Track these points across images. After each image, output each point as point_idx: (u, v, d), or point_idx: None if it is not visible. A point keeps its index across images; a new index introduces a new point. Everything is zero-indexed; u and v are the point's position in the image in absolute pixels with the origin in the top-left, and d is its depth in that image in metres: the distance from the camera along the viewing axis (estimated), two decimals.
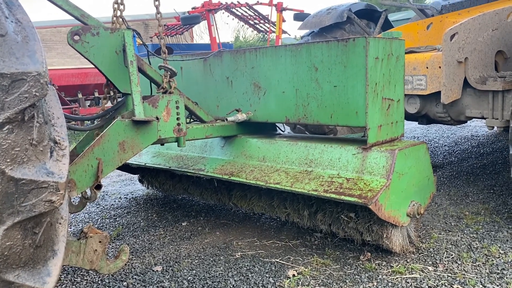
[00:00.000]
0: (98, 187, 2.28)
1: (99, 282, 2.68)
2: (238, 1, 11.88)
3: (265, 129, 3.58)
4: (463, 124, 8.13)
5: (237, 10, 12.22)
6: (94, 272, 2.22)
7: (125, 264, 2.89)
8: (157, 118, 2.54)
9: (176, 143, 2.95)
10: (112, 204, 4.34)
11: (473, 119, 8.43)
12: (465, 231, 3.17)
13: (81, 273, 2.80)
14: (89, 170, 2.27)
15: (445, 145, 6.43)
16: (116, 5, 2.77)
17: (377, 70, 2.68)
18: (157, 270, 2.80)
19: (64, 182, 1.21)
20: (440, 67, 3.78)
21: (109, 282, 2.67)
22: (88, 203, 3.94)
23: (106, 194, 4.73)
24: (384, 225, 2.70)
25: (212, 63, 3.49)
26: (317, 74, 2.85)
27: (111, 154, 2.31)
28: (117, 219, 3.86)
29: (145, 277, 2.72)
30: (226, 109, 3.42)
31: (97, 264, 2.08)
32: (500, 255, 2.76)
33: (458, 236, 3.09)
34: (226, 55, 3.37)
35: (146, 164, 3.79)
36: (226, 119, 3.18)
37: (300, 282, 2.55)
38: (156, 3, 2.89)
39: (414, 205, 2.75)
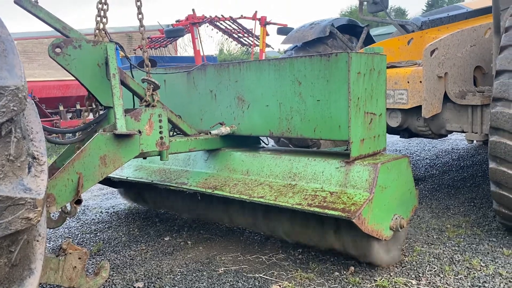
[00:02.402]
0: (78, 202, 2.23)
1: None
2: (222, 15, 11.95)
3: (249, 142, 3.58)
4: (444, 138, 8.26)
5: (221, 24, 12.28)
6: None
7: (106, 281, 2.83)
8: (140, 132, 2.52)
9: (159, 156, 2.94)
10: (93, 219, 4.26)
11: (454, 133, 8.61)
12: (447, 244, 3.19)
13: None
14: (69, 184, 2.22)
15: (426, 158, 6.51)
16: (98, 18, 2.75)
17: (359, 85, 2.71)
18: (138, 287, 2.74)
19: (42, 198, 1.18)
20: (421, 82, 3.84)
21: None
22: (68, 218, 3.86)
23: (87, 209, 4.64)
24: (368, 239, 2.70)
25: (196, 76, 3.48)
26: (301, 88, 2.86)
27: (92, 169, 2.27)
28: (98, 234, 3.79)
29: None
30: (209, 123, 3.41)
31: (77, 282, 2.03)
32: (481, 267, 2.79)
33: (440, 249, 3.11)
34: (209, 68, 3.37)
35: (128, 178, 3.74)
36: (210, 133, 3.16)
37: None
38: (140, 16, 2.88)
39: (397, 218, 2.76)
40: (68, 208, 2.60)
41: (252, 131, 3.22)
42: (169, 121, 3.11)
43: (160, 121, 2.62)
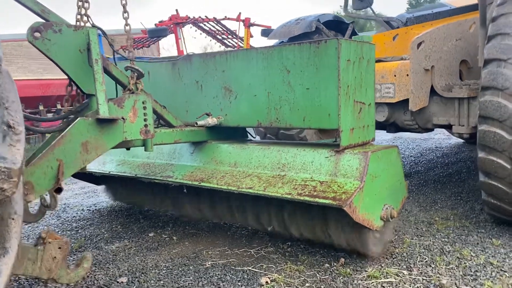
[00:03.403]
0: (59, 190, 2.12)
1: None
2: (206, 16, 11.88)
3: (236, 136, 3.50)
4: (427, 137, 8.33)
5: (204, 25, 12.20)
6: (53, 282, 2.04)
7: (87, 276, 2.72)
8: (123, 119, 2.42)
9: (143, 147, 2.84)
10: (74, 216, 4.12)
11: (437, 133, 8.68)
12: (437, 236, 3.16)
13: (37, 286, 2.60)
14: (49, 172, 2.11)
15: (411, 156, 6.53)
16: (80, 3, 2.65)
17: (349, 73, 2.67)
18: (122, 282, 2.63)
19: (18, 168, 1.09)
20: (407, 75, 3.83)
21: None
22: (47, 213, 3.72)
23: (68, 207, 4.49)
24: (359, 229, 2.65)
25: (181, 67, 3.40)
26: (289, 76, 2.81)
27: (73, 155, 2.17)
28: (79, 231, 3.65)
29: None
30: (195, 114, 3.32)
31: (56, 273, 1.91)
32: (472, 257, 2.76)
33: (430, 240, 3.08)
34: (196, 58, 3.29)
35: (111, 172, 3.62)
36: (196, 123, 3.08)
37: None
38: (125, 15, 2.80)
39: (387, 208, 2.71)
40: (48, 200, 2.48)
41: (239, 122, 3.15)
42: (154, 111, 3.01)
43: (144, 108, 2.52)
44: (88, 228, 3.72)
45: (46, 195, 2.38)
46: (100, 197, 4.78)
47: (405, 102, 3.95)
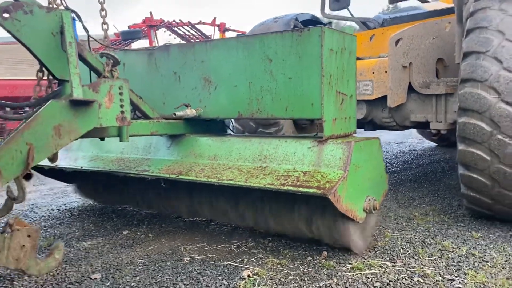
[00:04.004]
0: (28, 176, 1.99)
1: None
2: (180, 20, 11.78)
3: (215, 130, 3.41)
4: (401, 141, 8.44)
5: (179, 29, 12.09)
6: (21, 273, 1.89)
7: (57, 273, 2.56)
8: (99, 105, 2.30)
9: (118, 140, 2.72)
10: (43, 216, 3.92)
11: (410, 137, 8.82)
12: (417, 230, 3.15)
13: (2, 284, 2.42)
14: (18, 156, 1.97)
15: (386, 158, 6.58)
16: None
17: (331, 62, 2.63)
18: (95, 278, 2.49)
19: None
20: (386, 72, 3.85)
21: None
22: (14, 210, 3.53)
23: (36, 207, 4.28)
24: (342, 221, 2.60)
25: (158, 57, 3.29)
26: (271, 66, 2.75)
27: (44, 139, 2.03)
28: (49, 230, 3.46)
29: (81, 285, 2.40)
30: (173, 107, 3.21)
31: (25, 263, 1.77)
32: (454, 249, 2.75)
33: (411, 234, 3.06)
34: (173, 48, 3.20)
35: (83, 168, 3.46)
36: (174, 114, 2.97)
37: (257, 283, 2.36)
38: (103, 13, 2.70)
39: (370, 200, 2.68)
40: (15, 193, 2.32)
41: (219, 114, 3.06)
42: (130, 102, 2.90)
43: (121, 94, 2.41)
44: (58, 227, 3.53)
45: (13, 184, 2.23)
46: (71, 197, 4.58)
47: (383, 99, 3.96)
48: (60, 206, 4.24)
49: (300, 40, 2.62)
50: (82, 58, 2.60)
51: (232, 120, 4.89)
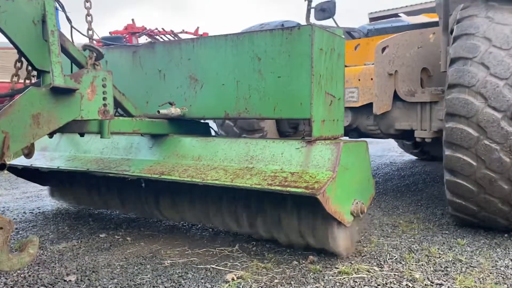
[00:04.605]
0: (2, 166, 1.86)
1: None
2: (163, 28, 11.71)
3: (199, 131, 3.32)
4: (381, 154, 8.49)
5: (161, 37, 12.00)
6: None
7: (29, 274, 2.41)
8: (81, 96, 2.19)
9: (98, 136, 2.62)
10: (15, 219, 3.73)
11: (390, 150, 8.88)
12: (403, 237, 3.11)
13: None
14: None
15: None
16: None
17: (321, 62, 2.60)
18: (70, 280, 2.35)
19: None
20: (372, 79, 3.85)
21: None
22: None
23: (7, 210, 4.08)
24: (329, 224, 2.54)
25: (143, 55, 3.21)
26: (260, 64, 2.70)
27: (21, 128, 1.91)
28: (20, 233, 3.29)
29: (54, 287, 2.26)
30: (156, 106, 3.11)
31: None
32: (440, 255, 2.71)
33: (397, 240, 3.02)
34: (159, 46, 3.13)
35: (60, 168, 3.32)
36: (158, 112, 2.88)
37: (241, 286, 2.26)
38: (87, 4, 2.61)
39: (357, 203, 2.63)
40: None
41: (205, 114, 2.99)
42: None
43: (104, 86, 2.31)
44: (31, 230, 3.36)
45: None
46: (45, 200, 4.39)
47: (369, 107, 3.95)
48: (33, 210, 4.05)
49: (290, 39, 2.58)
50: (64, 50, 2.49)
51: (215, 125, 4.81)
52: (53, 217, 3.75)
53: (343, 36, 2.89)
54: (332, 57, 2.72)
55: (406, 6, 7.21)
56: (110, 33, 10.36)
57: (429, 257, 2.68)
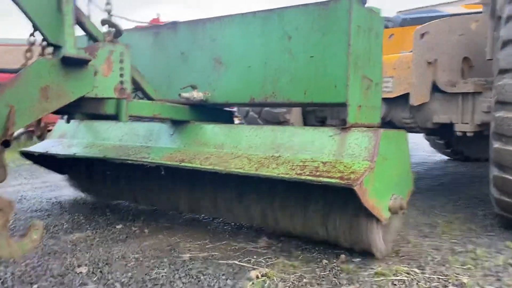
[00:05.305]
0: (6, 143, 1.68)
1: None
2: None
3: (223, 119, 3.11)
4: (410, 153, 8.12)
5: None
6: None
7: (38, 264, 2.24)
8: (95, 72, 2.01)
9: (114, 133, 2.44)
10: (30, 207, 3.60)
11: (419, 150, 8.51)
12: (443, 237, 2.83)
13: None
14: None
15: None
16: None
17: (359, 41, 2.35)
18: (80, 272, 2.17)
19: None
20: (409, 67, 3.57)
21: (13, 285, 2.00)
22: None
23: (25, 198, 3.96)
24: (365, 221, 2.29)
25: (165, 37, 3.02)
26: (291, 43, 2.47)
27: (28, 102, 1.74)
28: None
29: (63, 279, 2.08)
30: (178, 91, 2.92)
31: None
32: (489, 258, 2.43)
33: (437, 241, 2.74)
34: (182, 26, 2.93)
35: (76, 154, 3.16)
36: (180, 95, 2.68)
37: (266, 285, 2.04)
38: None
39: (396, 198, 2.36)
40: None
41: (229, 98, 2.77)
42: (131, 79, 2.62)
43: (121, 61, 2.12)
44: (46, 219, 3.22)
45: None
46: (63, 190, 4.27)
47: (404, 98, 3.68)
48: (50, 199, 3.93)
49: (325, 15, 2.35)
50: (80, 24, 2.32)
51: (239, 116, 4.61)
52: (70, 207, 3.61)
53: (382, 15, 2.63)
54: (370, 36, 2.46)
55: (440, 4, 6.87)
56: (136, 27, 10.29)
57: (476, 261, 2.40)
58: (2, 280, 2.06)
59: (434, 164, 6.75)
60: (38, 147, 3.51)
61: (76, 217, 3.26)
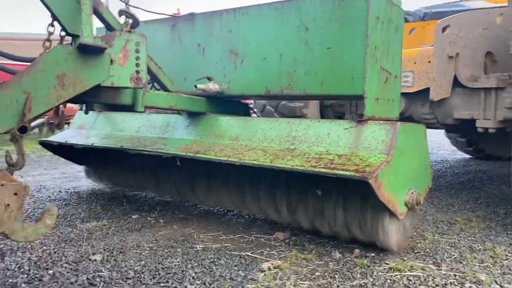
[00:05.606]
0: (23, 129, 1.71)
1: (16, 269, 2.04)
2: None
3: (239, 112, 3.11)
4: (430, 151, 7.99)
5: None
6: (3, 237, 1.61)
7: (54, 251, 2.28)
8: (111, 60, 2.02)
9: (132, 124, 2.45)
10: (49, 196, 3.67)
11: (440, 149, 8.36)
12: (461, 235, 2.77)
13: None
14: (13, 106, 1.70)
15: None
16: None
17: (377, 32, 2.31)
18: (95, 259, 2.19)
19: None
20: (429, 62, 3.50)
21: (29, 270, 2.04)
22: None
23: (44, 188, 4.04)
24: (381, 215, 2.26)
25: (182, 28, 3.02)
26: (308, 35, 2.44)
27: (45, 89, 1.76)
28: None
29: (78, 266, 2.11)
30: (194, 83, 2.93)
31: (9, 226, 1.49)
32: (508, 257, 2.36)
33: (455, 238, 2.68)
34: (199, 18, 2.93)
35: (93, 144, 3.20)
36: (196, 86, 2.68)
37: (278, 277, 2.03)
38: None
39: (412, 193, 2.32)
40: (14, 159, 2.05)
41: (245, 90, 2.76)
42: (147, 70, 2.63)
43: (137, 51, 2.13)
44: (64, 208, 3.27)
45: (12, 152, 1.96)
46: (82, 181, 4.33)
47: (424, 93, 3.60)
48: (68, 189, 3.99)
49: (342, 5, 2.31)
50: (97, 14, 2.34)
51: (255, 110, 4.59)
52: (87, 196, 3.66)
53: (402, 8, 2.58)
54: (389, 28, 2.42)
55: (461, 0, 6.70)
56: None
57: (495, 259, 2.34)
58: (19, 265, 2.10)
59: (455, 162, 6.61)
60: (57, 137, 3.56)
61: (93, 206, 3.30)
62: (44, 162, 5.76)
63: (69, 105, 3.70)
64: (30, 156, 6.37)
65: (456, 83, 3.56)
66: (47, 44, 2.29)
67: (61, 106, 2.12)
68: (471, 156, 7.07)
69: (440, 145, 8.63)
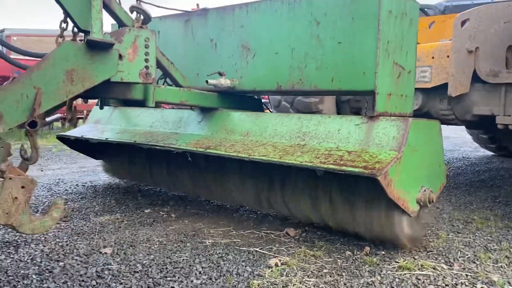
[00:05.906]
0: (33, 124, 1.74)
1: (28, 261, 2.09)
2: None
3: (252, 107, 3.10)
4: (452, 149, 7.83)
5: None
6: (11, 229, 1.64)
7: (66, 244, 2.32)
8: (120, 56, 2.04)
9: (146, 120, 2.47)
10: (66, 190, 3.74)
11: (462, 145, 8.18)
12: (477, 234, 2.70)
13: (7, 250, 2.20)
14: (23, 101, 1.73)
15: None
16: None
17: (389, 26, 2.26)
18: (105, 252, 2.23)
19: None
20: (448, 56, 3.41)
21: (40, 262, 2.08)
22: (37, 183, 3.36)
23: (62, 181, 4.12)
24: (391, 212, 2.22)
25: (195, 24, 3.03)
26: (319, 29, 2.41)
27: (54, 84, 1.79)
28: (69, 203, 3.26)
29: (88, 258, 2.14)
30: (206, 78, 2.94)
31: (17, 219, 1.52)
32: None
33: (470, 237, 2.62)
34: (212, 13, 2.93)
35: (108, 139, 3.24)
36: (207, 82, 2.68)
37: (285, 273, 2.02)
38: None
39: (425, 191, 2.27)
40: (28, 153, 2.10)
41: (256, 85, 2.75)
42: (159, 65, 2.65)
43: (146, 47, 2.14)
44: (79, 201, 3.33)
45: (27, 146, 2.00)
46: (99, 175, 4.40)
47: (442, 88, 3.51)
48: (85, 183, 4.06)
49: None
50: (109, 10, 2.37)
51: (270, 106, 4.58)
52: (103, 190, 3.72)
53: (417, 1, 2.52)
54: (402, 22, 2.36)
55: None
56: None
57: (510, 259, 2.27)
58: (32, 256, 2.15)
59: (477, 159, 6.46)
60: (73, 132, 3.63)
61: (107, 200, 3.35)
62: (64, 156, 5.88)
63: (90, 101, 3.79)
64: (52, 150, 6.51)
65: (476, 78, 3.47)
66: (60, 40, 2.34)
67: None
68: (494, 153, 6.90)
69: (463, 141, 8.45)
